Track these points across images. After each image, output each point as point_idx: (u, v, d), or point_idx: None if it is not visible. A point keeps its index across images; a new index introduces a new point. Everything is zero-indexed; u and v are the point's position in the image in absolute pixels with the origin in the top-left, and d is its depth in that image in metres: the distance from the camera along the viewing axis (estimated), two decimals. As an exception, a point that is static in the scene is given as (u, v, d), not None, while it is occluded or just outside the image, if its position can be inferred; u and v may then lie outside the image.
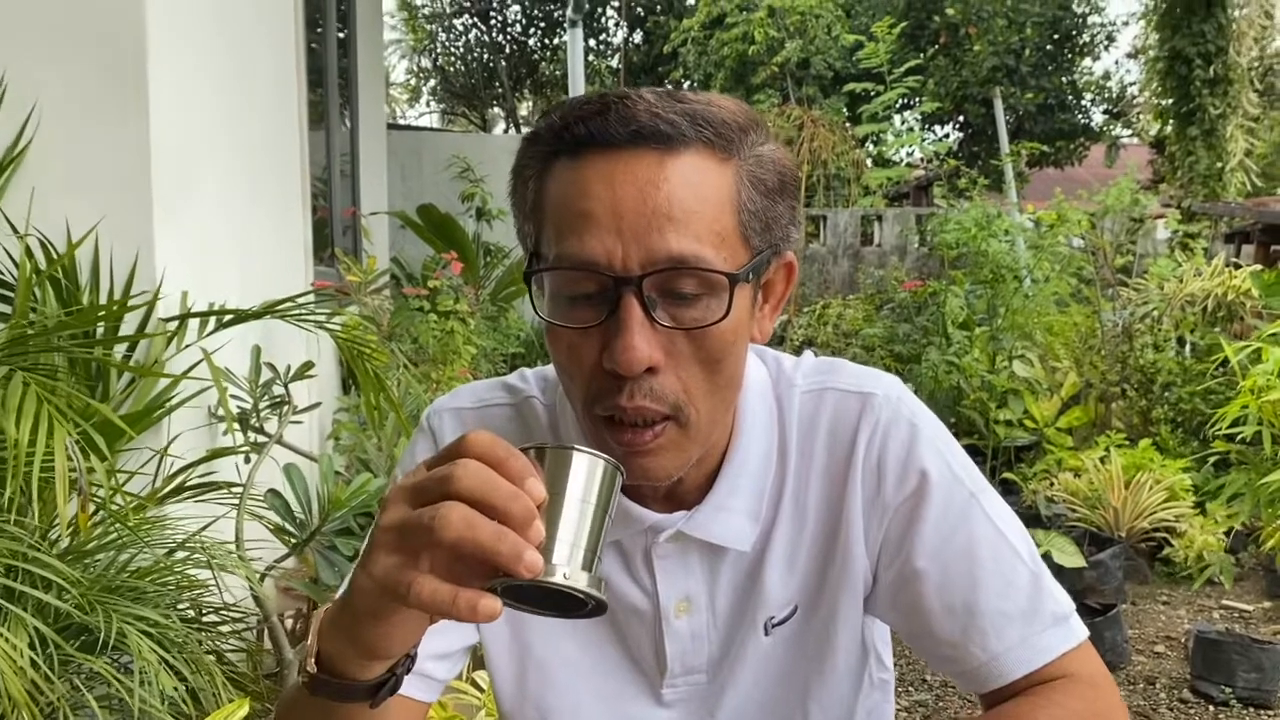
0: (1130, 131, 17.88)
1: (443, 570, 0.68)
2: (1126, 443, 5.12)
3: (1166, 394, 5.31)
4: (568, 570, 0.67)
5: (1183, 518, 4.56)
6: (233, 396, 2.52)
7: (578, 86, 9.22)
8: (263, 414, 2.64)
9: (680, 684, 1.03)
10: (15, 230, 2.11)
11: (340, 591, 1.06)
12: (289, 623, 2.64)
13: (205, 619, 2.05)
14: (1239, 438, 3.75)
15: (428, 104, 20.94)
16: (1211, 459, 4.78)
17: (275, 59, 3.78)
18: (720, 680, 1.03)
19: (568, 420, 1.01)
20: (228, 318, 2.24)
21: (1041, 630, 0.95)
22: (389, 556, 0.68)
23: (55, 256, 2.07)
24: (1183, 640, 3.92)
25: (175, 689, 1.63)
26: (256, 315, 2.22)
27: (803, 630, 1.02)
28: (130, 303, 2.11)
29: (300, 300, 2.35)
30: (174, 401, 2.26)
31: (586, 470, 0.70)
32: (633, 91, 0.86)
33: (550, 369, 1.07)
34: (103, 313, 2.03)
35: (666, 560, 0.99)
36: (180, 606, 1.95)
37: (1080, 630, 0.98)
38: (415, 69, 19.97)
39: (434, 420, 1.07)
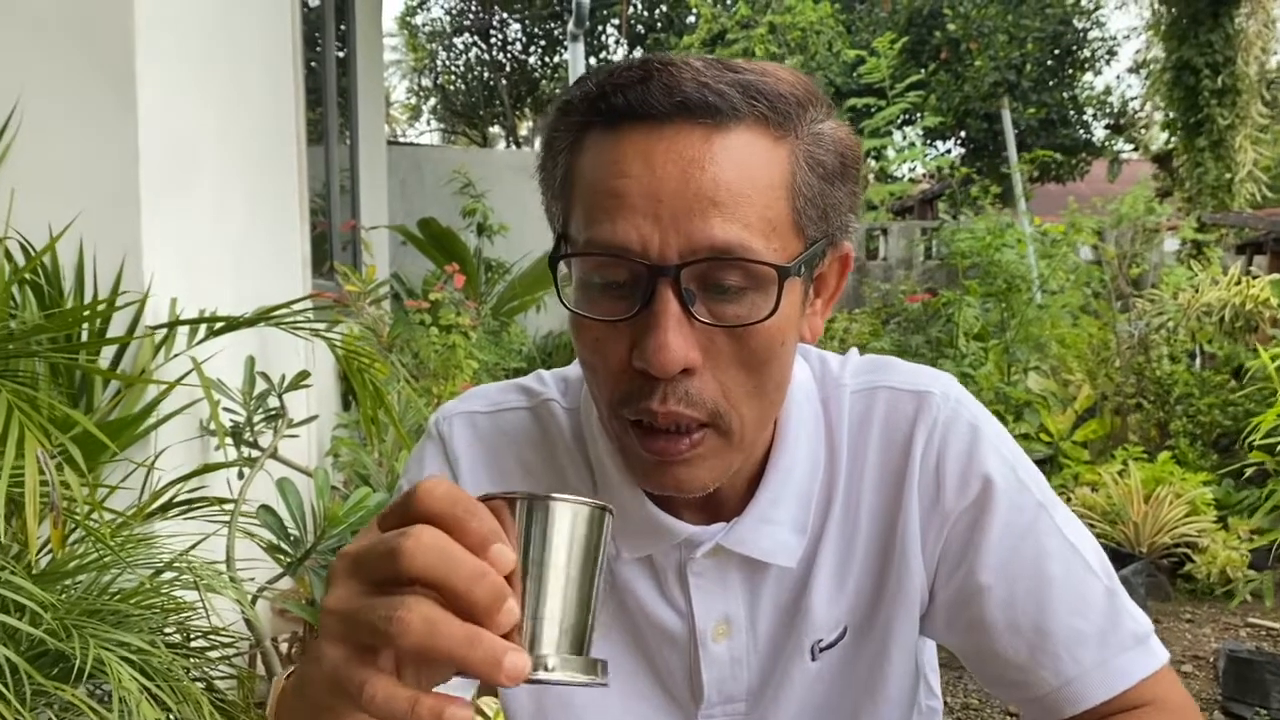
0: (1132, 146, 17.83)
1: (408, 662, 0.58)
2: (1144, 456, 5.01)
3: (1185, 406, 5.21)
4: (557, 660, 0.55)
5: (1204, 532, 4.45)
6: (225, 409, 2.41)
7: (579, 101, 9.12)
8: (257, 427, 2.53)
9: (717, 714, 0.93)
10: (-6, 232, 2.01)
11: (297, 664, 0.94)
12: (283, 647, 2.53)
13: (193, 644, 1.93)
14: (1278, 449, 3.63)
15: (428, 123, 20.96)
16: (1233, 472, 4.69)
17: (272, 73, 3.72)
18: (761, 710, 0.93)
19: (593, 426, 0.91)
20: (219, 325, 2.13)
21: (1120, 652, 0.86)
22: (337, 647, 0.57)
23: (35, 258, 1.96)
24: (1211, 660, 3.80)
25: (158, 720, 1.51)
26: (250, 322, 2.12)
27: (853, 654, 0.93)
28: (116, 306, 2.00)
29: (296, 308, 2.24)
30: (162, 413, 2.16)
31: (570, 524, 0.57)
32: (678, 57, 0.75)
33: (571, 370, 0.99)
34: (86, 313, 1.91)
35: (703, 578, 0.89)
36: (166, 631, 1.83)
37: (1161, 652, 0.88)
38: (415, 88, 19.99)
39: (443, 426, 0.97)
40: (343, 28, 5.93)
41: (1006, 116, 7.43)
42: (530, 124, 19.73)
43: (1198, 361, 5.49)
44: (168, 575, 1.85)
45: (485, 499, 0.58)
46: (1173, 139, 10.50)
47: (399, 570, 0.54)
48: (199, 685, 1.77)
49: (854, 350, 0.99)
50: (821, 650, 0.92)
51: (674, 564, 0.90)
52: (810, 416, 0.91)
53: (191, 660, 1.85)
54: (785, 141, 0.76)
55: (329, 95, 5.60)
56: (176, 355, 2.23)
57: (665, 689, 0.93)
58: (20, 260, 2.00)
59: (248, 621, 2.00)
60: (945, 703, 3.41)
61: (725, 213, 0.72)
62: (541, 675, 0.54)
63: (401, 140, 16.90)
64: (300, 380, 2.50)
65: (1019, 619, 0.86)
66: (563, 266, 0.81)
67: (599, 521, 0.58)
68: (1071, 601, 0.86)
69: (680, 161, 0.73)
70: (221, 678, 1.97)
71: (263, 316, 2.11)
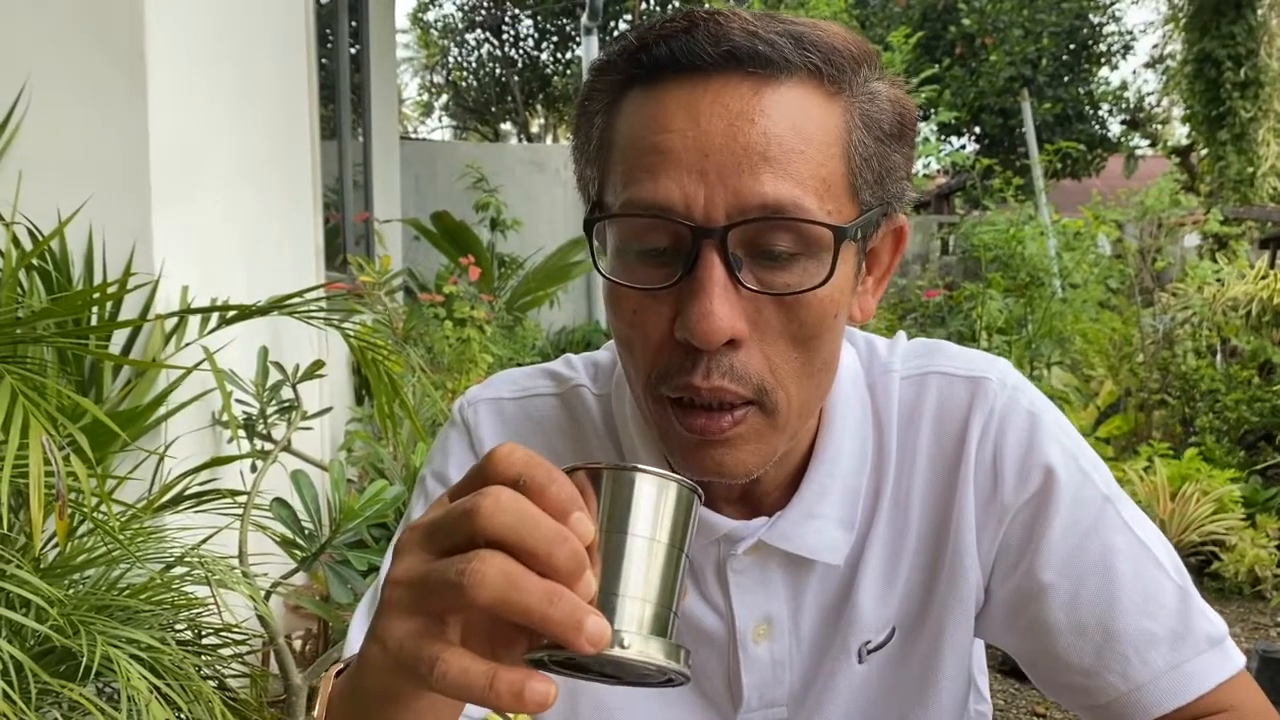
0: (1149, 142, 17.69)
1: (477, 638, 0.53)
2: (1170, 453, 4.94)
3: (1211, 402, 5.13)
4: (637, 637, 0.50)
5: (1232, 530, 4.38)
6: (237, 401, 2.36)
7: (593, 96, 9.09)
8: (270, 419, 2.48)
9: (756, 718, 0.88)
10: (1, 217, 1.95)
11: (347, 650, 0.88)
12: (297, 644, 2.47)
13: (204, 641, 1.87)
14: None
15: (439, 119, 20.95)
16: (1260, 469, 4.61)
17: (284, 67, 3.70)
18: (803, 715, 0.88)
19: (625, 412, 0.86)
20: (232, 313, 2.08)
21: (1195, 655, 0.80)
22: (404, 620, 0.52)
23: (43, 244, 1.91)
24: (1243, 660, 3.72)
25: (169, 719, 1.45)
26: (262, 311, 2.06)
27: (902, 656, 0.87)
28: (126, 290, 1.95)
29: (310, 297, 2.18)
30: (173, 404, 2.10)
31: (656, 496, 0.52)
32: (725, 8, 0.70)
33: (600, 355, 0.94)
34: (95, 297, 1.86)
35: (743, 575, 0.84)
36: (177, 627, 1.78)
37: (1237, 656, 0.82)
38: (427, 85, 19.98)
39: (467, 413, 0.92)
40: (355, 24, 5.96)
41: (1027, 109, 7.35)
42: (542, 121, 19.70)
43: (1218, 357, 5.41)
44: (178, 570, 1.80)
45: (568, 470, 0.53)
46: (1194, 133, 10.40)
47: (474, 529, 0.49)
48: (210, 683, 1.72)
49: (901, 334, 0.94)
50: (869, 652, 0.87)
51: (713, 561, 0.85)
52: (857, 404, 0.85)
53: (203, 658, 1.80)
54: (839, 98, 0.71)
55: (342, 91, 5.62)
56: (188, 344, 2.18)
57: (702, 692, 0.88)
58: (27, 243, 1.95)
59: (260, 618, 1.95)
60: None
61: (777, 169, 0.67)
62: (619, 653, 0.49)
63: (414, 137, 16.90)
64: (315, 370, 2.45)
65: (1084, 620, 0.81)
66: (597, 233, 0.76)
67: (687, 502, 0.53)
68: (1141, 601, 0.80)
69: (728, 114, 0.68)
70: (234, 676, 1.92)
71: (276, 305, 2.05)
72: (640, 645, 0.50)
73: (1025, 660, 0.87)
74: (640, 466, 0.53)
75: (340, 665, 0.66)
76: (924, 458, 0.85)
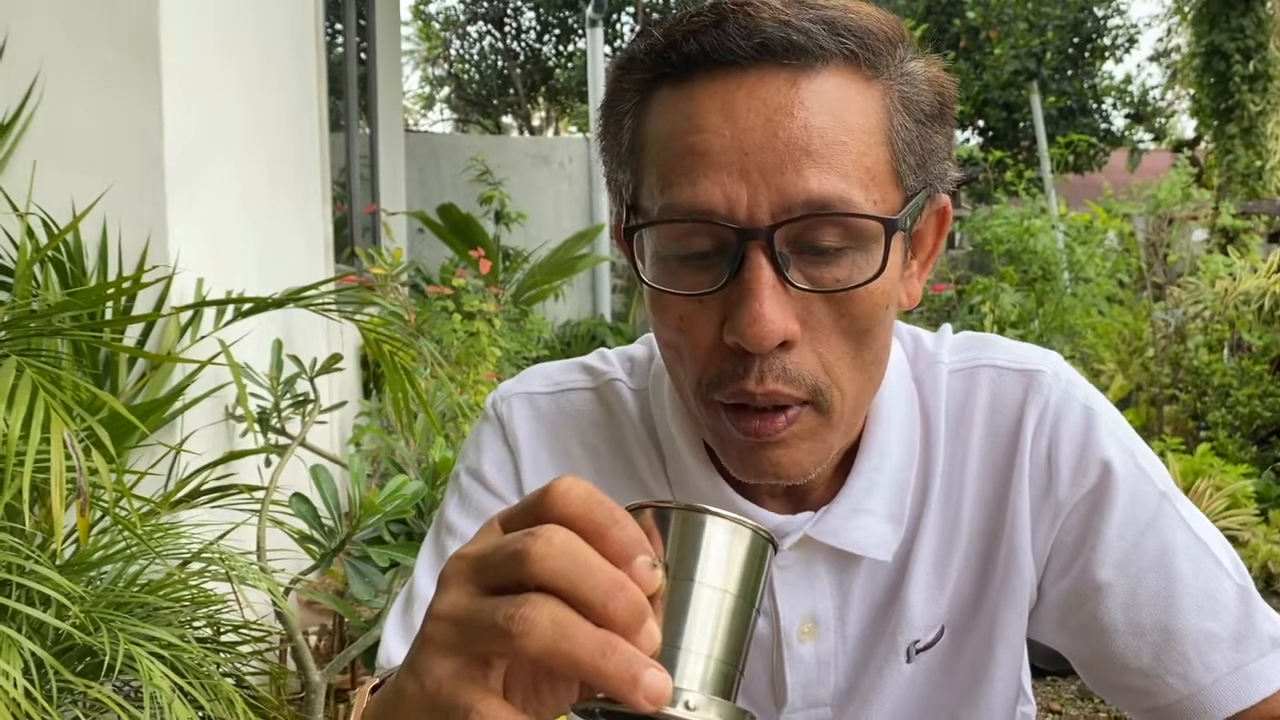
0: (1153, 136, 17.64)
1: (522, 689, 0.50)
2: (1182, 448, 4.91)
3: (1223, 397, 5.10)
4: (700, 697, 0.45)
5: (1246, 526, 4.35)
6: (251, 394, 2.34)
7: (598, 88, 9.05)
8: (284, 413, 2.45)
9: (800, 719, 0.85)
10: (15, 209, 1.92)
11: (381, 655, 0.85)
12: (312, 640, 2.45)
13: (223, 638, 1.85)
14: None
15: (441, 112, 20.90)
16: (1273, 465, 4.58)
17: (294, 58, 3.69)
18: (849, 716, 0.86)
19: (663, 408, 0.84)
20: (247, 306, 2.05)
21: (1258, 656, 0.78)
22: (445, 659, 0.48)
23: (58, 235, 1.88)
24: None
25: (190, 719, 1.43)
26: (278, 304, 2.03)
27: (953, 656, 0.85)
28: (142, 284, 1.92)
29: (325, 289, 2.16)
30: (188, 398, 2.08)
31: (728, 544, 0.48)
32: None
33: (634, 349, 0.92)
34: (110, 290, 1.83)
35: (788, 572, 0.82)
36: (195, 624, 1.75)
37: None
38: (429, 77, 19.93)
39: (501, 408, 0.90)
40: (362, 22, 5.97)
41: (1036, 102, 7.32)
42: (544, 113, 19.65)
43: (1226, 351, 5.38)
44: (196, 566, 1.77)
45: (633, 508, 0.50)
46: (1202, 127, 10.35)
47: (524, 574, 0.46)
48: (229, 681, 1.69)
49: (947, 326, 0.92)
50: (918, 652, 0.85)
51: None
52: (904, 397, 0.83)
53: (222, 655, 1.77)
54: (877, 82, 0.69)
55: (349, 83, 5.63)
56: (203, 337, 2.15)
57: (744, 691, 0.85)
58: (41, 235, 1.92)
59: (280, 615, 1.92)
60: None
61: (820, 162, 0.65)
62: (681, 713, 0.45)
63: (416, 129, 16.86)
64: (333, 363, 2.42)
65: (1142, 620, 0.78)
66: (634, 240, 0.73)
67: (761, 551, 0.49)
68: (1201, 601, 0.78)
69: (765, 110, 0.65)
70: (253, 673, 1.90)
71: (292, 298, 2.02)
72: (703, 707, 0.45)
73: (1079, 661, 0.85)
74: (713, 509, 0.48)
75: (376, 680, 0.63)
76: (976, 452, 0.83)
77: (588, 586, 0.45)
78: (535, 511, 0.48)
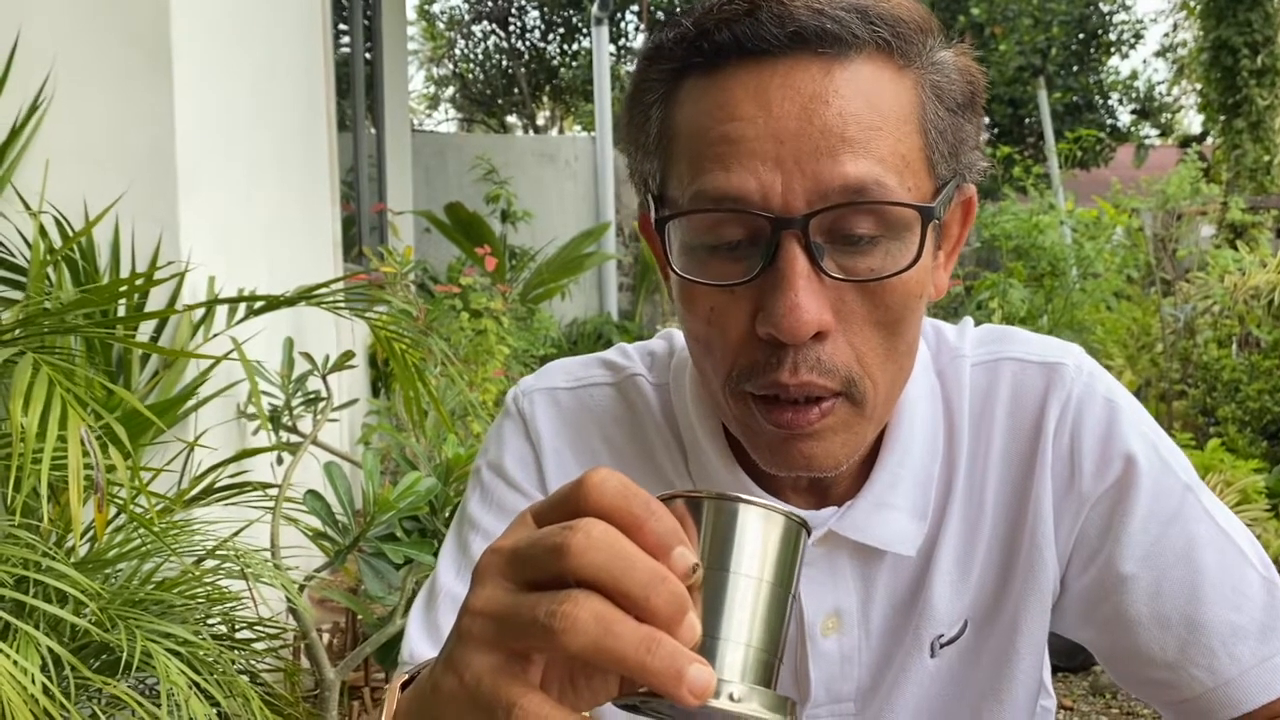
0: (1159, 131, 17.60)
1: (559, 681, 0.50)
2: (1192, 443, 4.90)
3: (1234, 392, 5.08)
4: (742, 687, 0.45)
5: (1257, 521, 4.34)
6: (262, 392, 2.34)
7: (603, 88, 9.08)
8: (296, 411, 2.45)
9: (823, 714, 0.85)
10: (28, 207, 1.93)
11: (405, 652, 0.85)
12: (324, 637, 2.45)
13: (238, 635, 1.85)
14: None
15: (446, 112, 20.91)
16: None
17: (302, 58, 3.70)
18: (872, 711, 0.85)
19: (684, 403, 0.83)
20: (260, 304, 2.05)
21: None
22: (484, 655, 0.48)
23: (71, 234, 1.88)
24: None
25: (207, 716, 1.43)
26: (290, 301, 2.03)
27: (976, 650, 0.84)
28: (155, 280, 1.92)
29: (336, 287, 2.16)
30: (201, 396, 2.08)
31: (762, 531, 0.48)
32: None
33: (654, 344, 0.91)
34: (124, 288, 1.83)
35: (812, 567, 0.81)
36: (210, 621, 1.75)
37: None
38: (434, 77, 19.94)
39: (522, 403, 0.89)
40: (368, 23, 6.00)
41: (1043, 97, 7.31)
42: (548, 112, 19.65)
43: (1235, 346, 5.36)
44: (211, 563, 1.77)
45: (665, 498, 0.49)
46: (1209, 121, 10.32)
47: (563, 568, 0.45)
48: (244, 678, 1.70)
49: (968, 319, 0.91)
50: (942, 646, 0.84)
51: None
52: (927, 391, 0.83)
53: (237, 651, 1.77)
54: (909, 71, 0.69)
55: (356, 83, 5.65)
56: (215, 335, 2.15)
57: None
58: (53, 232, 1.92)
59: (294, 612, 1.92)
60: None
61: (857, 149, 0.65)
62: (724, 705, 0.45)
63: (422, 129, 16.87)
64: (345, 361, 2.42)
65: (1167, 612, 0.78)
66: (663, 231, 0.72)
67: (795, 537, 0.49)
68: (1226, 593, 0.78)
69: (800, 98, 0.65)
70: (268, 670, 1.90)
71: (304, 296, 2.02)
72: (746, 698, 0.45)
73: (1103, 654, 0.84)
74: (745, 497, 0.48)
75: (405, 676, 0.63)
76: (998, 445, 0.82)
77: (629, 580, 0.45)
78: (570, 504, 0.48)
